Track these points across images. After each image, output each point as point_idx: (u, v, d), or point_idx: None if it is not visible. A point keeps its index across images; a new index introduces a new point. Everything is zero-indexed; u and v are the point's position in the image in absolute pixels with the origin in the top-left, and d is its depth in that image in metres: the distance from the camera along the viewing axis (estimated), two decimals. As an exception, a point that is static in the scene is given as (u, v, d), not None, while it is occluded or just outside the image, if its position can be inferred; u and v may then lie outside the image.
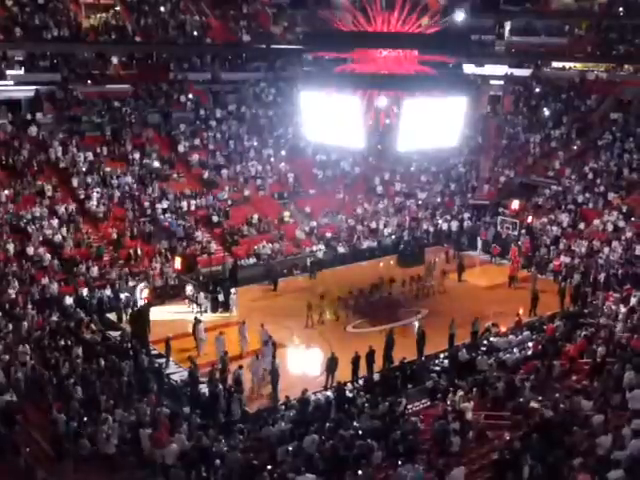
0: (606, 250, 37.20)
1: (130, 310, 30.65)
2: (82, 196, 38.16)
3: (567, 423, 17.14)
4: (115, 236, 36.42)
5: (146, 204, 39.11)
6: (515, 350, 25.44)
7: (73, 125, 42.22)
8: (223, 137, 46.83)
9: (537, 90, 53.05)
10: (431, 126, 27.89)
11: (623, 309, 27.86)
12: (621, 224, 39.01)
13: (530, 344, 25.85)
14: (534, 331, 27.74)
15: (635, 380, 18.86)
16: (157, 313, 31.12)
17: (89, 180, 39.18)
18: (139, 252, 35.62)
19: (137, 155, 41.95)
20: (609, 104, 48.93)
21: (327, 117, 29.08)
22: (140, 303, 31.46)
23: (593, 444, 15.72)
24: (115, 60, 47.33)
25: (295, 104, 33.69)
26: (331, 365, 24.73)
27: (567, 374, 22.30)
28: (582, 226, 40.33)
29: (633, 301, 28.63)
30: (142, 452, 18.03)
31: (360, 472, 15.60)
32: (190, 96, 48.13)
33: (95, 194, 38.41)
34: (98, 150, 41.38)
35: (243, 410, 22.40)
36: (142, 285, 32.51)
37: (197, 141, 45.43)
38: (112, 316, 31.00)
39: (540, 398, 19.54)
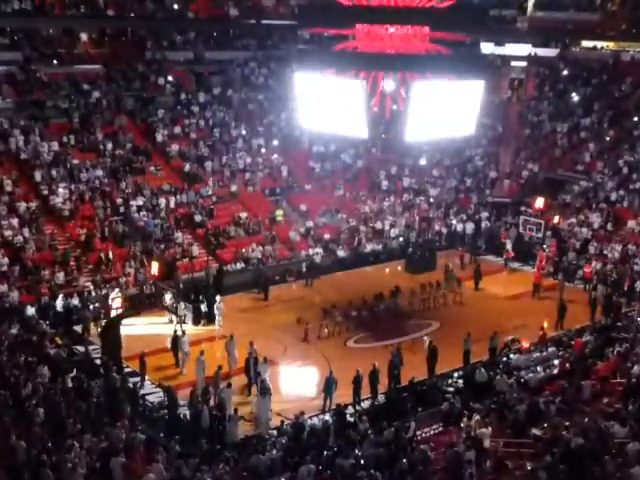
0: (643, 255, 37.35)
1: (100, 322, 30.63)
2: (46, 192, 38.23)
3: (597, 452, 17.17)
4: (83, 237, 36.43)
5: (119, 201, 39.16)
6: (539, 369, 25.46)
7: (36, 111, 42.31)
8: (207, 125, 46.94)
9: (565, 73, 53.22)
10: (444, 113, 27.94)
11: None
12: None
13: (556, 362, 25.87)
14: (561, 347, 27.76)
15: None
16: (131, 325, 31.09)
17: (54, 173, 39.24)
18: (110, 256, 35.63)
19: (109, 145, 41.99)
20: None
21: (325, 102, 29.12)
22: (112, 314, 31.44)
23: (627, 475, 15.76)
24: (84, 37, 47.47)
25: (289, 87, 33.70)
26: (329, 385, 24.74)
27: (598, 396, 22.32)
28: (615, 228, 40.43)
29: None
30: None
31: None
32: (170, 78, 48.31)
33: (61, 189, 38.49)
34: (65, 139, 41.50)
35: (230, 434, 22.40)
36: (114, 293, 32.49)
37: (177, 129, 45.53)
38: (79, 328, 30.97)
39: (567, 423, 19.57)
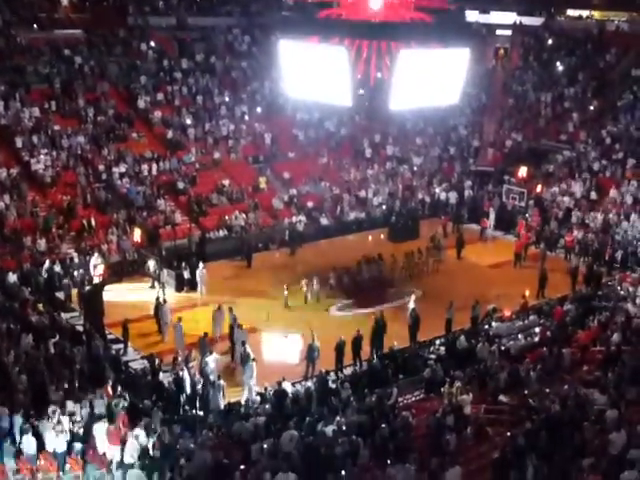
0: (624, 225, 37.54)
1: (82, 289, 30.57)
2: (27, 158, 37.89)
3: (577, 419, 17.38)
4: (65, 205, 36.22)
5: (101, 168, 38.90)
6: (520, 337, 25.70)
7: (16, 76, 41.79)
8: (190, 92, 46.56)
9: (549, 42, 53.11)
10: (428, 81, 27.78)
11: (642, 291, 28.23)
12: (642, 195, 39.36)
13: (537, 330, 26.12)
14: (542, 315, 28.01)
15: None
16: (113, 292, 31.08)
17: (35, 140, 38.89)
18: (93, 223, 35.49)
19: (91, 112, 41.64)
20: (631, 59, 49.04)
21: (309, 70, 28.92)
22: (94, 281, 31.38)
23: (605, 442, 15.97)
24: (65, 1, 46.86)
25: (274, 55, 33.45)
26: (312, 353, 24.86)
27: (578, 364, 22.57)
28: (597, 197, 40.62)
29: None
30: (96, 449, 18.11)
31: (344, 472, 15.76)
32: (152, 44, 47.81)
33: (42, 156, 38.15)
34: (46, 105, 41.06)
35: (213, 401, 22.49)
36: (96, 260, 32.40)
37: (160, 96, 45.14)
38: (62, 295, 30.93)
39: (547, 390, 19.79)
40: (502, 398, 19.88)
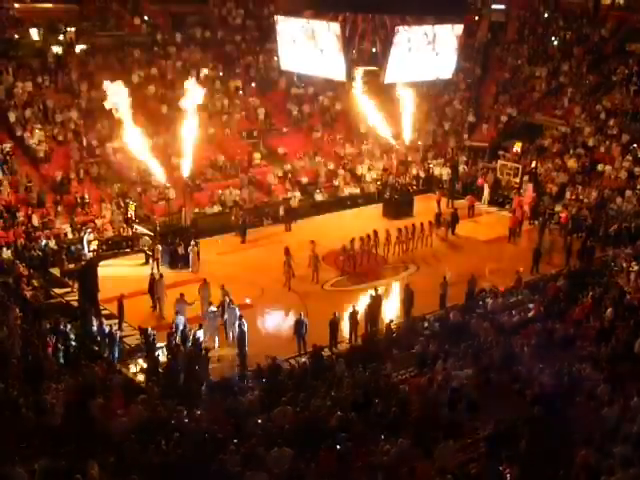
0: (618, 200, 37.56)
1: (77, 264, 30.55)
2: (20, 133, 37.71)
3: (570, 393, 17.47)
4: (59, 179, 36.11)
5: (94, 143, 38.72)
6: (514, 312, 25.76)
7: (9, 49, 41.47)
8: (184, 66, 46.26)
9: (545, 16, 52.84)
10: (422, 55, 27.69)
11: (635, 267, 28.24)
12: (636, 171, 39.30)
13: (531, 305, 26.19)
14: (535, 291, 28.08)
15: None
16: (108, 268, 31.08)
17: (28, 114, 38.68)
18: (87, 198, 35.41)
19: (84, 86, 41.38)
20: (626, 34, 48.82)
21: (305, 44, 28.76)
22: (88, 256, 31.38)
23: (598, 417, 16.07)
24: (58, -26, 46.41)
25: (267, 28, 33.28)
26: (300, 328, 24.91)
27: (571, 339, 22.65)
28: (592, 173, 40.61)
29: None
30: (92, 424, 18.14)
31: (338, 447, 15.83)
32: (145, 18, 47.42)
33: (36, 131, 37.97)
34: (39, 80, 40.78)
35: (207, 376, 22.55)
36: (90, 236, 32.38)
37: (154, 70, 44.85)
38: (56, 271, 30.92)
39: (541, 366, 19.86)
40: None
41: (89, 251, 31.73)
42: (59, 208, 34.64)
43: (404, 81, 33.01)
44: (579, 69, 48.06)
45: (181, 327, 24.30)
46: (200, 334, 23.91)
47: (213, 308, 25.48)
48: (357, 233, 33.76)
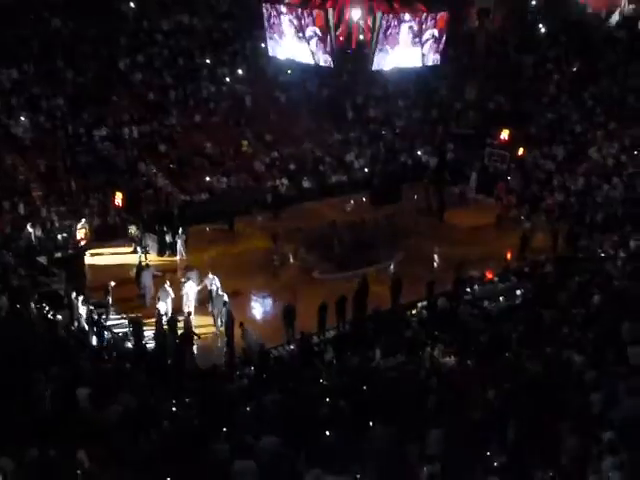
0: (605, 187, 37.63)
1: (64, 253, 30.44)
2: (6, 121, 37.45)
3: (557, 380, 17.52)
4: (45, 168, 35.90)
5: (81, 131, 38.52)
6: (501, 299, 25.82)
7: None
8: (171, 53, 46.04)
9: (533, 3, 52.77)
10: (410, 42, 27.65)
11: (622, 253, 28.33)
12: (623, 158, 39.38)
13: (518, 292, 26.25)
14: (523, 277, 28.13)
15: (634, 333, 19.25)
16: (96, 257, 30.98)
17: (14, 102, 38.42)
18: (74, 186, 35.23)
19: (70, 74, 41.12)
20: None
21: (292, 31, 28.65)
22: (76, 245, 31.26)
23: (585, 403, 16.11)
24: (43, -40, 46.01)
25: (254, 15, 33.08)
26: (288, 315, 24.89)
27: (558, 325, 22.70)
28: (579, 160, 40.66)
29: (633, 245, 29.09)
30: (81, 413, 18.09)
31: (327, 434, 15.84)
32: (131, 5, 47.09)
33: (21, 119, 37.72)
34: (24, 67, 40.48)
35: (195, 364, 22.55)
36: (77, 224, 32.24)
37: (140, 57, 44.61)
38: (43, 260, 30.79)
39: (528, 352, 19.91)
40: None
41: (77, 239, 31.54)
42: (46, 197, 34.45)
43: (391, 67, 32.99)
44: (566, 56, 48.04)
45: (164, 313, 24.32)
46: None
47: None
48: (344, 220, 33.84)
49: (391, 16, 26.37)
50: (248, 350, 22.20)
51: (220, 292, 25.83)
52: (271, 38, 30.58)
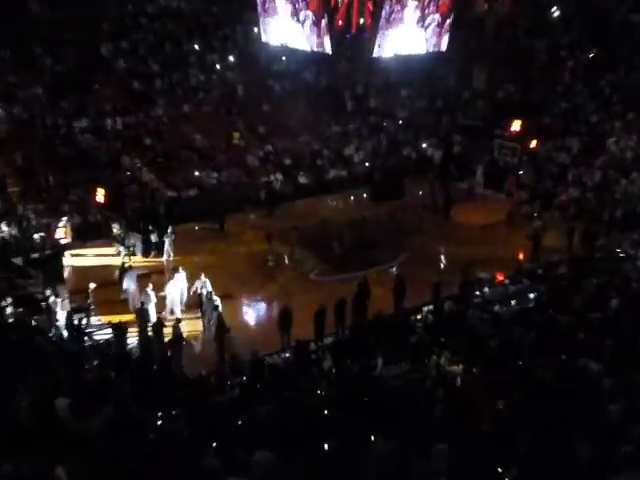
0: (623, 182, 37.63)
1: (42, 253, 30.39)
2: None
3: (572, 389, 17.50)
4: (22, 162, 35.85)
5: (60, 122, 38.48)
6: (512, 302, 25.79)
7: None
8: (157, 38, 46.01)
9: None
10: (414, 27, 27.68)
11: (642, 253, 28.41)
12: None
13: (531, 295, 26.22)
14: (536, 279, 28.11)
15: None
16: (76, 257, 30.93)
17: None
18: (52, 182, 35.19)
19: (48, 61, 41.07)
20: (631, 4, 48.79)
21: (286, 14, 28.69)
22: (55, 245, 31.22)
23: (602, 414, 16.09)
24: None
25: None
26: (284, 321, 24.85)
27: (573, 331, 22.69)
28: (596, 153, 40.66)
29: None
30: (59, 426, 18.06)
31: (325, 448, 15.82)
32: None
33: (-4, 109, 37.71)
34: (-1, 53, 40.53)
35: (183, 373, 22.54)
36: (56, 222, 32.19)
37: (124, 44, 44.57)
38: (19, 260, 30.72)
39: (541, 359, 19.90)
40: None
41: (55, 238, 31.48)
42: (22, 193, 34.41)
43: (394, 54, 33.01)
44: (581, 41, 48.03)
45: (148, 319, 24.33)
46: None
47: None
48: (344, 218, 33.84)
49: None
50: (236, 358, 22.17)
51: (211, 296, 25.82)
52: (264, 22, 30.66)
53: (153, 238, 32.42)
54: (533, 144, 42.34)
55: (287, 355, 23.27)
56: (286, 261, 31.59)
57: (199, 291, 26.46)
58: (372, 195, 40.13)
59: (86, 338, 24.59)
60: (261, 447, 15.27)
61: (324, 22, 27.09)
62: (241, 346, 23.14)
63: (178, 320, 24.43)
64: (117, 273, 28.63)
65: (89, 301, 26.28)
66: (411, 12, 27.25)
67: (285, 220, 35.99)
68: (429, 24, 28.36)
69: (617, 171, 38.47)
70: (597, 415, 16.18)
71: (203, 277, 26.70)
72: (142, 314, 24.94)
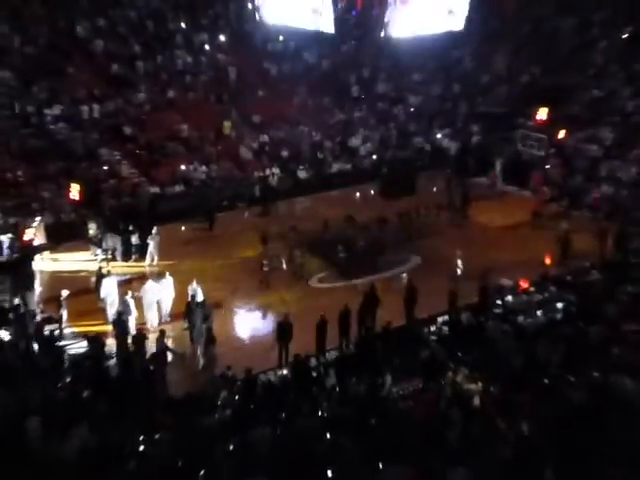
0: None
1: (9, 257, 30.42)
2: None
3: (605, 409, 17.51)
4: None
5: (31, 110, 38.52)
6: (538, 313, 25.80)
7: None
8: (139, 16, 46.09)
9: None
10: (427, 3, 27.72)
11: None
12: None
13: (558, 304, 26.23)
14: (564, 287, 28.12)
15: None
16: (47, 261, 30.94)
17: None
18: (22, 177, 35.25)
19: (17, 40, 41.15)
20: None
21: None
22: (24, 247, 31.24)
23: (638, 436, 16.10)
24: None
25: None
26: (282, 333, 24.84)
27: (606, 344, 22.71)
28: (631, 145, 40.69)
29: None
30: (29, 450, 18.08)
31: (327, 475, 15.83)
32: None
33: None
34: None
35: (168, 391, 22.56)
36: (26, 222, 32.21)
37: (102, 21, 44.64)
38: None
39: (570, 377, 19.91)
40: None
41: (24, 240, 31.48)
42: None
43: (407, 35, 33.05)
44: (615, 19, 48.05)
45: (127, 330, 24.40)
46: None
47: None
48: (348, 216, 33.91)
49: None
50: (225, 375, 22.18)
51: (202, 305, 25.83)
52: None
53: (134, 240, 32.45)
54: (561, 135, 42.32)
55: (284, 372, 23.26)
56: (284, 266, 31.57)
57: (188, 299, 26.48)
58: (381, 192, 40.10)
59: (59, 352, 24.59)
60: (255, 475, 15.30)
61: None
62: (233, 362, 23.12)
63: (162, 332, 24.42)
64: (94, 279, 28.62)
65: (62, 311, 26.29)
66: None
67: (282, 220, 36.02)
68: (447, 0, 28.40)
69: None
70: (632, 439, 16.19)
71: (195, 283, 26.74)
72: (120, 325, 24.98)
